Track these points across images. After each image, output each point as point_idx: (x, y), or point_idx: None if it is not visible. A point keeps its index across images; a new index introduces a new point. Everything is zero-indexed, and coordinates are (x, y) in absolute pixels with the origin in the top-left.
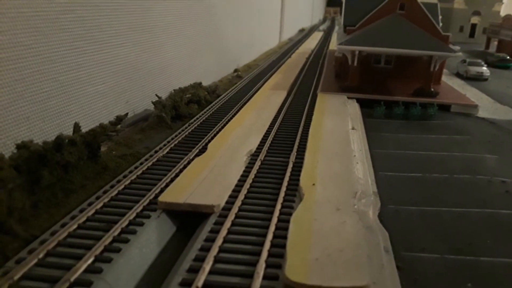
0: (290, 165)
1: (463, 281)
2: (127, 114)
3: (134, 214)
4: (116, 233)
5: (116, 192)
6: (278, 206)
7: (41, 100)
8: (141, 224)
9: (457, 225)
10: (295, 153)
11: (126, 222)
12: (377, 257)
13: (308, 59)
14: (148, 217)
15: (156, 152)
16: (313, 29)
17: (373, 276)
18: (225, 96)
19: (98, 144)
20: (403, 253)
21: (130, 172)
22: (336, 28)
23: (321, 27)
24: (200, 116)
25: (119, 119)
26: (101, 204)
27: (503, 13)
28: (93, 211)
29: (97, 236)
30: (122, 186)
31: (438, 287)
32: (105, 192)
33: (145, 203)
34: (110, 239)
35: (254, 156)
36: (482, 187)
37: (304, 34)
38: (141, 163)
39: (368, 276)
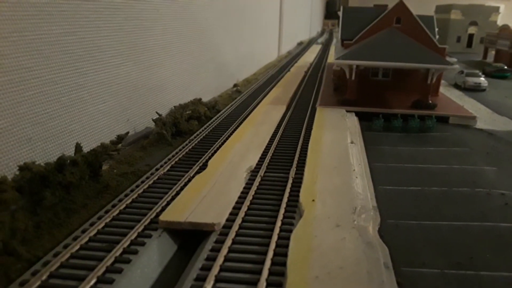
0: (290, 181)
1: None
2: (127, 133)
3: (135, 234)
4: (117, 254)
5: (117, 211)
6: (278, 223)
7: (43, 121)
8: (143, 244)
9: (457, 239)
10: (295, 169)
11: (128, 242)
12: (377, 273)
13: (306, 73)
14: (150, 236)
15: (157, 169)
16: (311, 42)
17: None
18: (225, 111)
19: (100, 164)
20: (403, 269)
21: (132, 190)
22: (334, 41)
23: (319, 40)
24: (200, 133)
25: (120, 138)
26: (103, 224)
27: (500, 23)
28: (95, 231)
29: (99, 257)
30: (124, 205)
31: None
32: (106, 212)
33: (146, 222)
34: (112, 260)
35: (254, 172)
36: (481, 200)
37: (303, 47)
38: (142, 182)
39: None
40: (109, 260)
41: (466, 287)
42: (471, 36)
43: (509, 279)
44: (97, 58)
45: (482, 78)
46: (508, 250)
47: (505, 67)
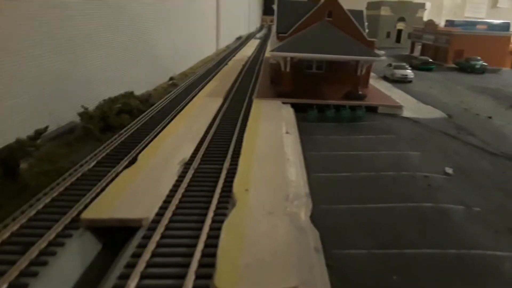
0: (224, 172)
1: (389, 274)
2: (47, 127)
3: (53, 234)
4: (33, 256)
5: (34, 211)
6: (211, 215)
7: None
8: (62, 244)
9: (384, 220)
10: (230, 160)
11: (45, 243)
12: (307, 257)
13: (244, 66)
14: (70, 236)
15: (81, 166)
16: (250, 37)
17: (302, 277)
18: (159, 104)
19: (17, 162)
20: (334, 251)
21: (52, 189)
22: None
23: (258, 35)
24: (131, 127)
25: (38, 133)
26: (17, 226)
27: (426, 18)
28: (8, 233)
29: (12, 261)
30: (42, 205)
31: (366, 282)
32: (22, 212)
33: (66, 222)
34: (26, 263)
35: (187, 165)
36: (406, 182)
37: (241, 42)
38: (64, 179)
39: (297, 278)
40: (23, 263)
41: (391, 265)
42: (399, 32)
43: (431, 255)
44: (12, 49)
45: (409, 71)
46: (431, 228)
47: (430, 60)
